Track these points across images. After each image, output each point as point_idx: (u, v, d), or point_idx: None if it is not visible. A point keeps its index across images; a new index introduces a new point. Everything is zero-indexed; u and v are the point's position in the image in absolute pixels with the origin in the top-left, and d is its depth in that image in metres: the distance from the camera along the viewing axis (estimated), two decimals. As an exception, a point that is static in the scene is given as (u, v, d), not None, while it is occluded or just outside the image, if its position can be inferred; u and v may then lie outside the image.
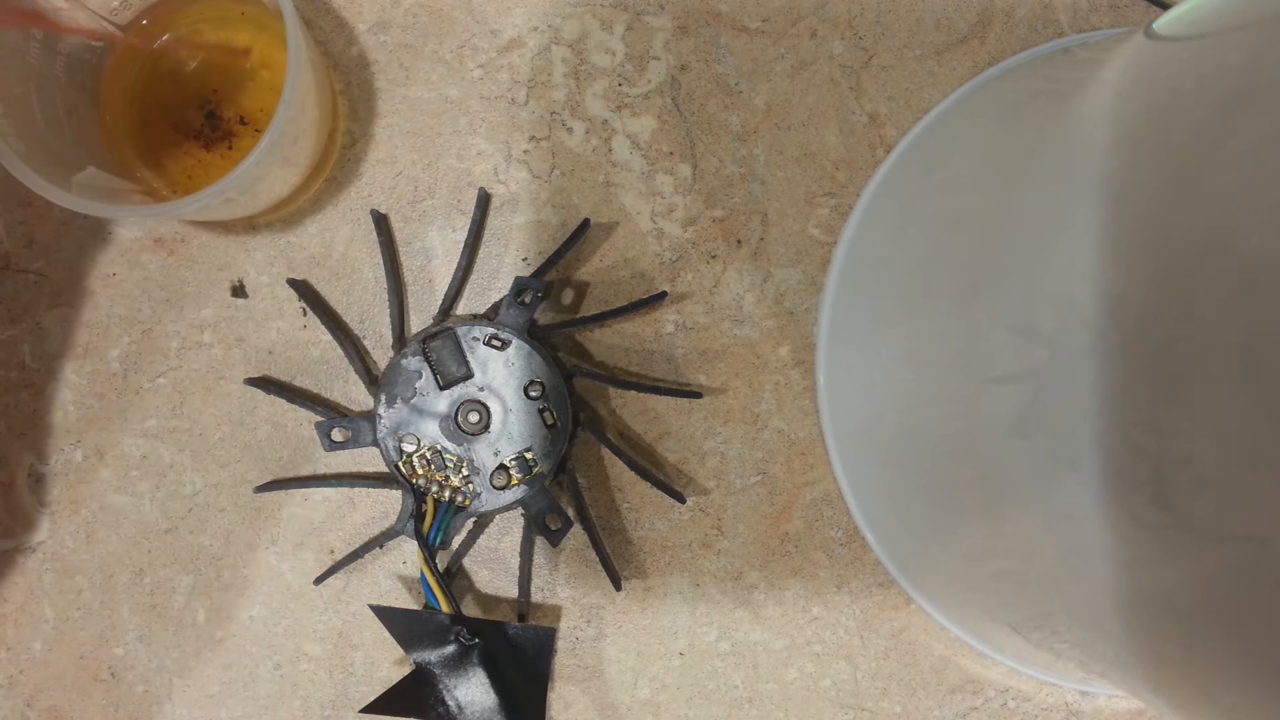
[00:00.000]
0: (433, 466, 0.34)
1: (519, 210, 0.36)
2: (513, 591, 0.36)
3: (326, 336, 0.36)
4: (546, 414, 0.33)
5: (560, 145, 0.36)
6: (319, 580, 0.35)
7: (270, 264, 0.36)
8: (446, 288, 0.35)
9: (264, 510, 0.36)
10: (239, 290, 0.36)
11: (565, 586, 0.36)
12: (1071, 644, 0.26)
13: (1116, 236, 0.20)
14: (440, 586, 0.33)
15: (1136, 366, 0.19)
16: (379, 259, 0.35)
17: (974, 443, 0.26)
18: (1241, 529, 0.16)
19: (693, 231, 0.36)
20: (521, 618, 0.35)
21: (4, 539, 0.36)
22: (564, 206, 0.36)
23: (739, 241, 0.36)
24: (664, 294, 0.35)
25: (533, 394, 0.33)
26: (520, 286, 0.33)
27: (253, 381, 0.35)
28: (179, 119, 0.34)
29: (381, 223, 0.36)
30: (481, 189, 0.36)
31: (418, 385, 0.33)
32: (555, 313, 0.36)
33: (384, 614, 0.33)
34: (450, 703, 0.33)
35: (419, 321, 0.36)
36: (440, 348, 0.33)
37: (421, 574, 0.33)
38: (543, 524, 0.34)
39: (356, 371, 0.35)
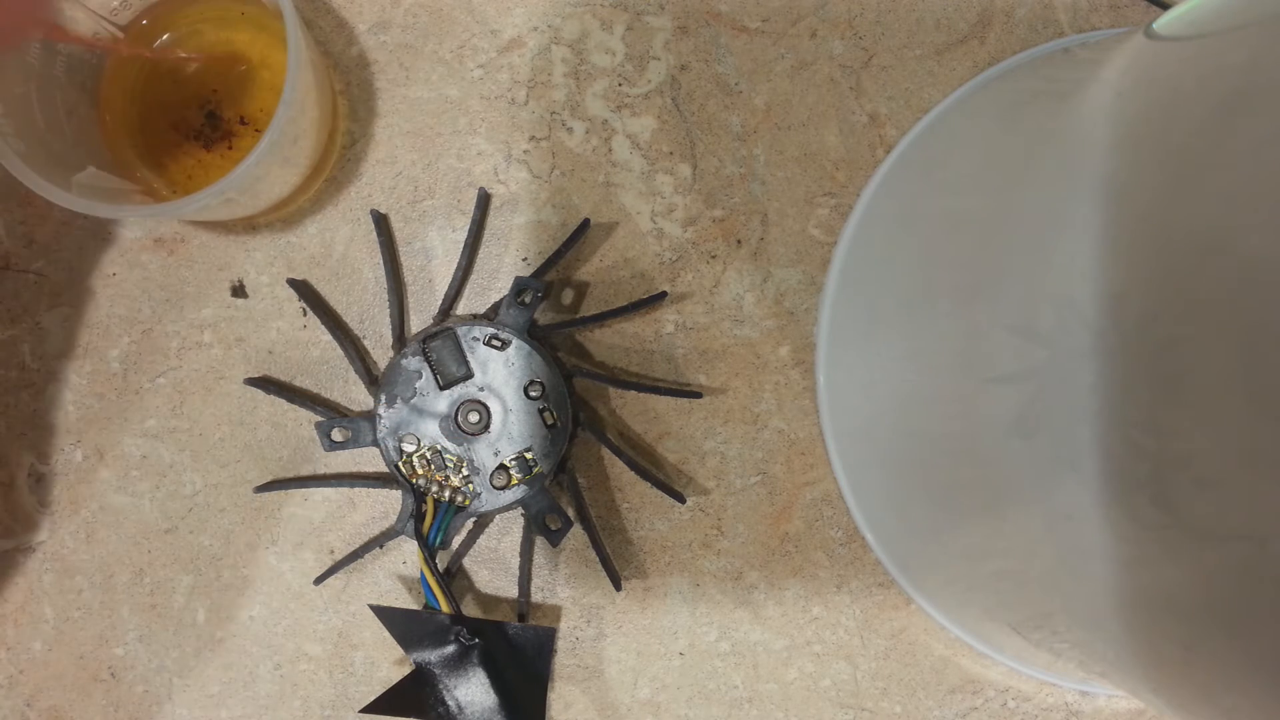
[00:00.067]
0: (433, 466, 0.34)
1: (519, 210, 0.36)
2: (513, 591, 0.36)
3: (326, 336, 0.36)
4: (546, 414, 0.33)
5: (560, 145, 0.36)
6: (319, 580, 0.35)
7: (270, 264, 0.36)
8: (446, 288, 0.35)
9: (264, 510, 0.36)
10: (239, 290, 0.36)
11: (565, 586, 0.36)
12: (1071, 644, 0.26)
13: (1116, 236, 0.20)
14: (440, 586, 0.33)
15: (1136, 366, 0.19)
16: (379, 259, 0.35)
17: (974, 443, 0.26)
18: (1241, 529, 0.16)
19: (693, 231, 0.36)
20: (521, 618, 0.35)
21: (4, 539, 0.36)
22: (564, 206, 0.36)
23: (739, 241, 0.36)
24: (664, 294, 0.35)
25: (533, 394, 0.33)
26: (520, 286, 0.33)
27: (253, 381, 0.35)
28: (179, 119, 0.34)
29: (381, 223, 0.36)
30: (481, 189, 0.36)
31: (418, 385, 0.33)
32: (555, 313, 0.36)
33: (384, 614, 0.33)
34: (450, 703, 0.33)
35: (419, 321, 0.36)
36: (440, 348, 0.33)
37: (421, 574, 0.33)
38: (543, 524, 0.34)
39: (356, 371, 0.35)
